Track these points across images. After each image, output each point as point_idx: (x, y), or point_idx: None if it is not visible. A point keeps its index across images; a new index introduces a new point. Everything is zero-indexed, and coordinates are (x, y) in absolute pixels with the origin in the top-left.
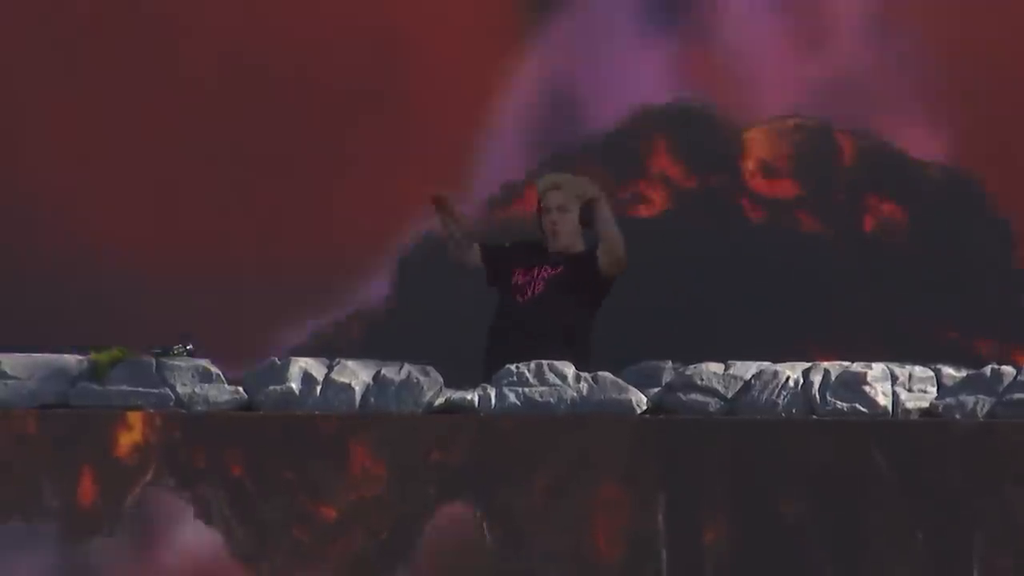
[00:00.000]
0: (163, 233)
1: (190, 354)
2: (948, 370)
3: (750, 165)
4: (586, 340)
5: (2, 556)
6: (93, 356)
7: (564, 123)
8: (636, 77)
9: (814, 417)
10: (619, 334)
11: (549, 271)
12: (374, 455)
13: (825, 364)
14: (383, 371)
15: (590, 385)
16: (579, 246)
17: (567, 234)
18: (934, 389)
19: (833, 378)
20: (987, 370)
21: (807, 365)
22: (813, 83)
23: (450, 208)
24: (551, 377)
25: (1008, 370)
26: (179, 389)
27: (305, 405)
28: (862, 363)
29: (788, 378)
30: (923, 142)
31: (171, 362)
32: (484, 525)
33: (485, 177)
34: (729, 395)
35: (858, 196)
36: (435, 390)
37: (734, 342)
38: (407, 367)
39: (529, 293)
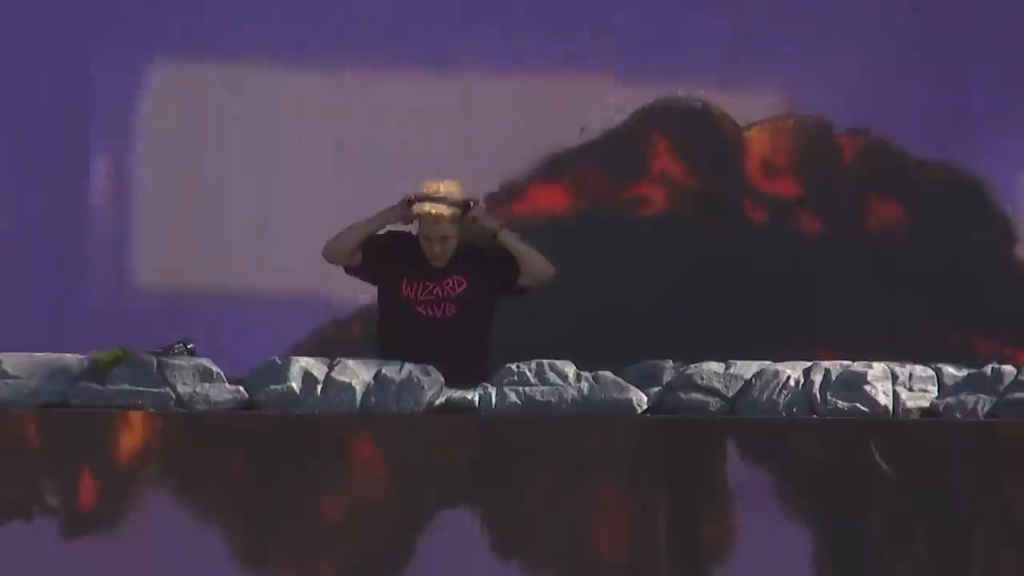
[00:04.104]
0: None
1: (191, 353)
2: (949, 369)
3: (750, 164)
4: (490, 343)
5: (3, 555)
6: (94, 355)
7: (563, 121)
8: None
9: (815, 416)
10: (619, 334)
11: (454, 288)
12: (375, 454)
13: (826, 363)
14: (383, 370)
15: (591, 384)
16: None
17: (449, 254)
18: (935, 388)
19: (834, 377)
20: (988, 369)
21: (808, 364)
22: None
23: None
24: (552, 376)
25: (1008, 369)
26: (180, 388)
27: (306, 405)
28: (863, 362)
29: (789, 377)
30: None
31: (172, 361)
32: (485, 524)
33: (484, 177)
34: (730, 394)
35: (858, 196)
36: (436, 389)
37: (735, 341)
38: (408, 366)
39: (439, 312)
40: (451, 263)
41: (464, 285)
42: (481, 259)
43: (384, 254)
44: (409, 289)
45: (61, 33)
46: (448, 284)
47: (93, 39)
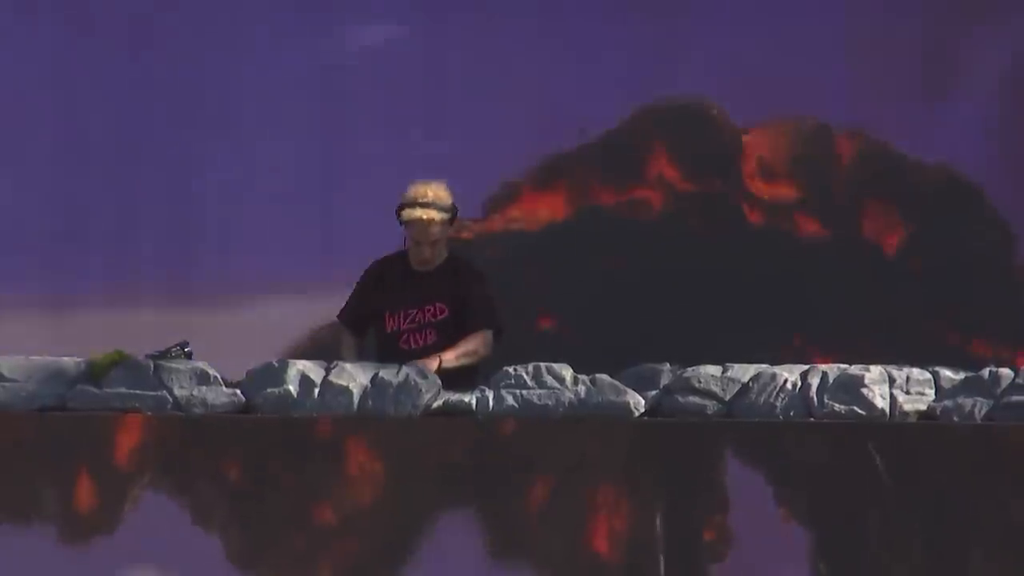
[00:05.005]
0: None
1: (188, 356)
2: (946, 372)
3: (749, 167)
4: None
5: (0, 558)
6: (91, 358)
7: (562, 123)
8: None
9: (812, 420)
10: (618, 336)
11: (435, 315)
12: (372, 457)
13: (823, 366)
14: (381, 373)
15: (588, 387)
16: (444, 253)
17: (436, 255)
18: (932, 392)
19: (831, 381)
20: (985, 373)
21: (805, 368)
22: None
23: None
24: (549, 380)
25: (1006, 372)
26: (177, 392)
27: (303, 407)
28: (860, 365)
29: (786, 381)
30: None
31: (169, 365)
32: (482, 527)
33: (483, 177)
34: (727, 398)
35: (857, 198)
36: (433, 392)
37: (732, 345)
38: (405, 369)
39: (422, 342)
40: (434, 280)
41: (446, 313)
42: (464, 290)
43: (368, 298)
44: (392, 321)
45: None
46: (430, 311)
47: None
